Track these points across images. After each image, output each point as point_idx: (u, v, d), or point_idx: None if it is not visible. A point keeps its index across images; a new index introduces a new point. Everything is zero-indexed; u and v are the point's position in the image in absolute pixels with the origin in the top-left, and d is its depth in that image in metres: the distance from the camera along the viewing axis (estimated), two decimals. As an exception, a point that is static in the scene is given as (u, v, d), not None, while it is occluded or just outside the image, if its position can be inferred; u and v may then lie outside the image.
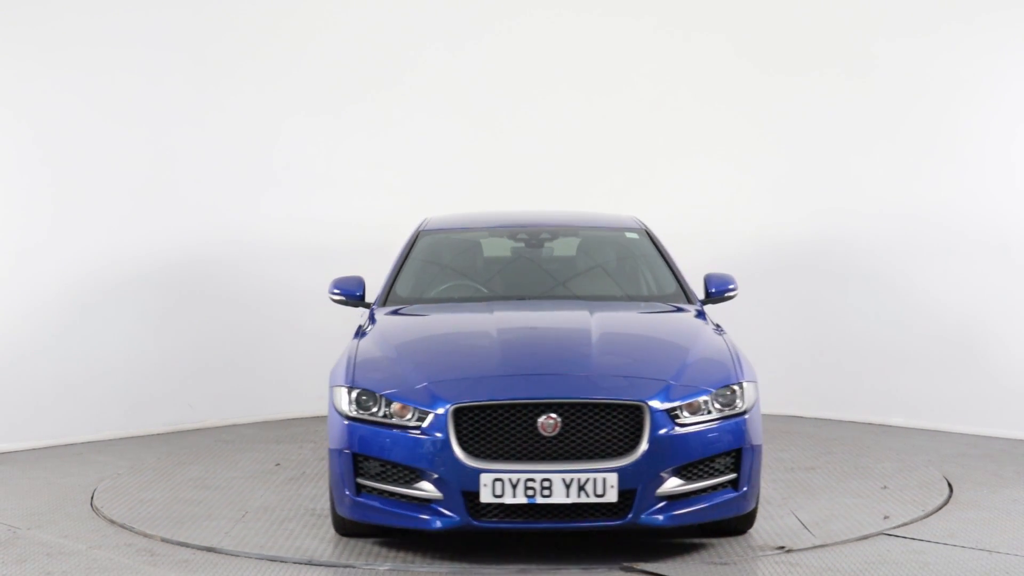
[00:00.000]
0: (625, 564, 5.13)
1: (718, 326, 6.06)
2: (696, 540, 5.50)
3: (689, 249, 8.32)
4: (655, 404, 5.05)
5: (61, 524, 5.85)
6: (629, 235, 6.89)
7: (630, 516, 5.00)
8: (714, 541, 5.49)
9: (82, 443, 7.92)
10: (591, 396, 5.05)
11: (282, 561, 5.20)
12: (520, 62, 9.67)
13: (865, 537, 5.60)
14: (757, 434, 5.33)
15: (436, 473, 5.01)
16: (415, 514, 5.08)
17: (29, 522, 5.89)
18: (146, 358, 8.31)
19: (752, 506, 5.40)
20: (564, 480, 4.92)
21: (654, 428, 5.02)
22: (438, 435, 5.02)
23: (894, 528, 5.75)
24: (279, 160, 8.93)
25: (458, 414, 5.03)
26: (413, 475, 5.08)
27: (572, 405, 5.02)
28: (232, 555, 5.29)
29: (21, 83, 7.87)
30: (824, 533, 5.61)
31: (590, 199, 9.49)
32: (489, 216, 7.44)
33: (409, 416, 5.10)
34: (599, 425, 5.03)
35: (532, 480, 4.93)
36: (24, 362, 7.81)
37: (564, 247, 7.01)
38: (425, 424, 5.06)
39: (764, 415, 8.92)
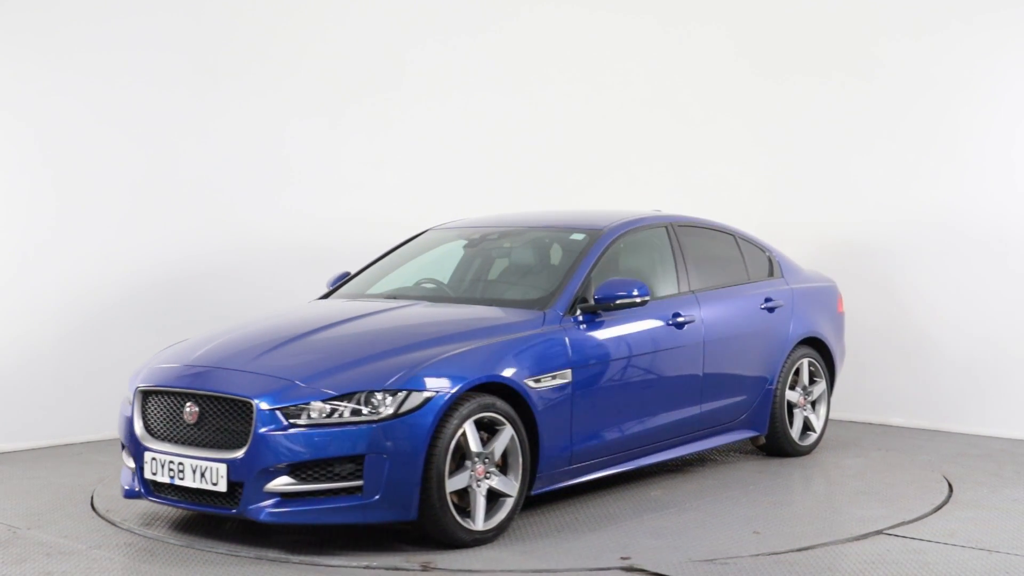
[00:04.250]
0: (627, 564, 5.14)
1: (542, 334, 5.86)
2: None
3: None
4: (263, 403, 5.22)
5: (61, 524, 5.85)
6: (574, 236, 6.73)
7: (238, 508, 5.23)
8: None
9: (82, 443, 7.92)
10: (214, 390, 5.40)
11: (283, 562, 5.20)
12: (526, 61, 9.68)
13: (865, 537, 5.60)
14: (405, 443, 5.16)
15: (129, 449, 5.69)
16: (128, 484, 5.71)
17: (29, 522, 5.89)
18: (147, 359, 8.29)
19: (398, 517, 5.22)
20: (191, 466, 5.35)
21: (260, 425, 5.19)
22: (129, 414, 5.72)
23: (894, 528, 5.76)
24: (282, 163, 8.92)
25: (144, 396, 5.68)
26: (127, 450, 5.76)
27: (205, 397, 5.42)
28: (232, 555, 5.29)
29: (24, 86, 7.86)
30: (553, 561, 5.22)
31: (592, 198, 9.51)
32: (490, 218, 7.48)
33: (130, 395, 5.81)
34: (227, 418, 5.34)
35: (172, 462, 5.43)
36: (25, 362, 7.80)
37: (507, 250, 6.98)
38: (131, 403, 5.74)
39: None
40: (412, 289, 6.81)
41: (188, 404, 5.44)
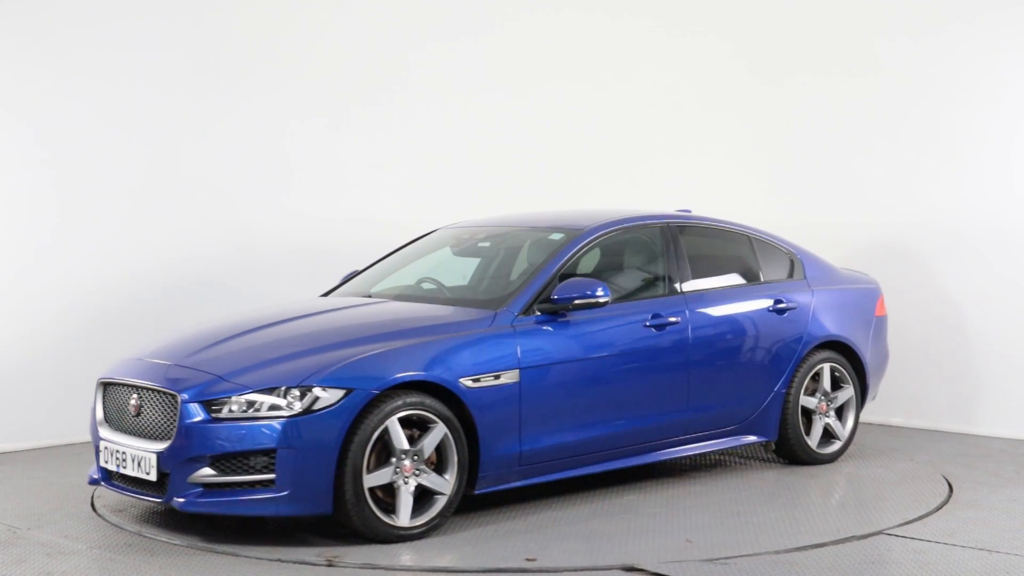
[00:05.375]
0: (626, 564, 5.14)
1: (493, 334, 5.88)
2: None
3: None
4: (187, 395, 5.41)
5: (61, 524, 5.86)
6: (553, 236, 6.66)
7: (165, 497, 5.43)
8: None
9: (82, 443, 7.91)
10: (150, 382, 5.62)
11: (282, 561, 5.20)
12: (527, 62, 9.68)
13: (865, 536, 5.60)
14: (317, 439, 5.27)
15: (92, 437, 5.93)
16: (92, 472, 5.93)
17: (29, 522, 5.89)
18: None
19: (313, 510, 5.35)
20: (131, 455, 5.57)
21: (184, 417, 5.38)
22: (93, 405, 5.96)
23: (894, 528, 5.76)
24: (283, 164, 8.91)
25: (104, 388, 5.92)
26: (92, 439, 5.99)
27: (144, 389, 5.65)
28: (232, 555, 5.29)
29: (24, 86, 7.86)
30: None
31: (593, 198, 9.51)
32: (494, 218, 7.48)
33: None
34: (160, 410, 5.55)
35: (118, 451, 5.66)
36: (26, 363, 7.81)
37: (490, 250, 6.98)
38: (95, 394, 6.00)
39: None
40: (411, 288, 6.80)
41: (133, 396, 5.66)
